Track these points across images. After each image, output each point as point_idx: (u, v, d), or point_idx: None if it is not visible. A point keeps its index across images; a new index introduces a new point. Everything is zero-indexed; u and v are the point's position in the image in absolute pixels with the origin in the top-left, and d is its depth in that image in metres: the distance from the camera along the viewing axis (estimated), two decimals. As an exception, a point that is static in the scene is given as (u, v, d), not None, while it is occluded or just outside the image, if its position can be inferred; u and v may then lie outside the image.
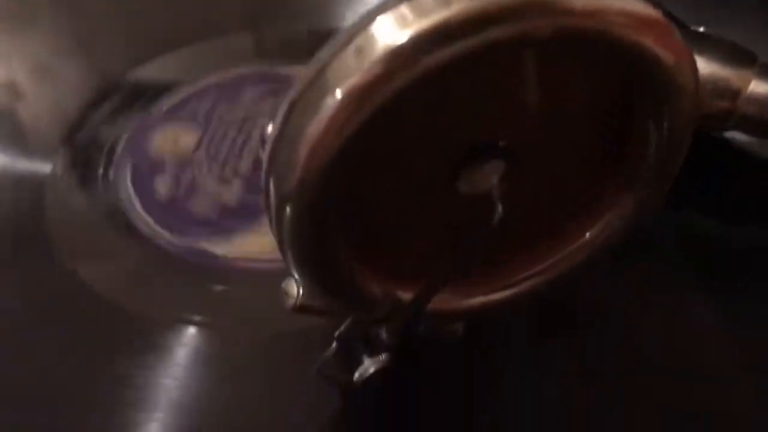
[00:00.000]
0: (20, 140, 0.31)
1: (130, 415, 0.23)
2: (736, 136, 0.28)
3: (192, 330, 0.25)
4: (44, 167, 0.30)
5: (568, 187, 0.19)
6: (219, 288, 0.26)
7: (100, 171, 0.30)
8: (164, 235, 0.27)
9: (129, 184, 0.29)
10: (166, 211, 0.28)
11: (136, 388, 0.24)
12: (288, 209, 0.17)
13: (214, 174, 0.29)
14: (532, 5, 0.15)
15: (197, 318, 0.26)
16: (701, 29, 0.28)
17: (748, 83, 0.25)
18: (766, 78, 0.25)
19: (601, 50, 0.17)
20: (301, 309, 0.19)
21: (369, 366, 0.20)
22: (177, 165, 0.30)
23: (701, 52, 0.26)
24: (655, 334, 0.25)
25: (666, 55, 0.17)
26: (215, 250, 0.27)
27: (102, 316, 0.26)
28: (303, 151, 0.16)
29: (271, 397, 0.24)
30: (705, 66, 0.26)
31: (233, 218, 0.28)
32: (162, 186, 0.29)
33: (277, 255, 0.18)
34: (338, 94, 0.15)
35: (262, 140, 0.17)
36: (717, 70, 0.26)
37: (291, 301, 0.19)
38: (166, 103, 0.32)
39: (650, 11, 0.16)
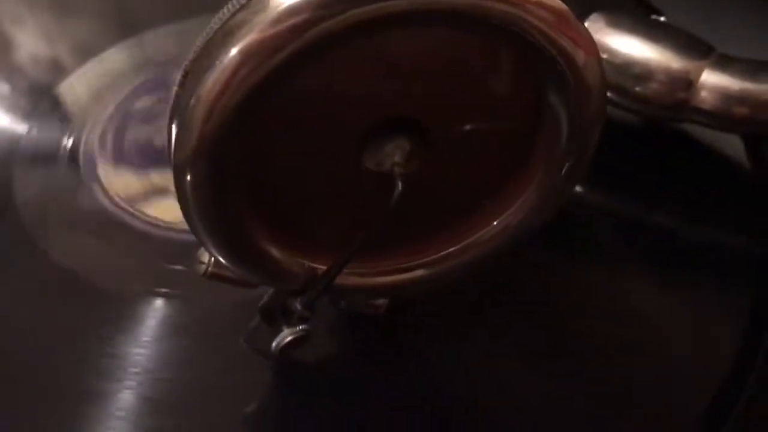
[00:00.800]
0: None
1: (102, 385, 0.24)
2: (696, 129, 0.28)
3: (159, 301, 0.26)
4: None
5: (479, 172, 0.19)
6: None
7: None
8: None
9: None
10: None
11: (108, 357, 0.24)
12: (188, 175, 0.17)
13: None
14: None
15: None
16: (662, 18, 0.27)
17: (701, 73, 0.25)
18: (720, 69, 0.25)
19: (514, 41, 0.17)
20: (212, 276, 0.20)
21: (286, 336, 0.21)
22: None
23: (657, 41, 0.26)
24: (598, 320, 0.25)
25: (575, 53, 0.17)
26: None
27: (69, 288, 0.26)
28: (199, 112, 0.16)
29: (235, 362, 0.24)
30: (660, 55, 0.26)
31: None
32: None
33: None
34: (233, 51, 0.15)
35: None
36: (671, 59, 0.25)
37: (202, 268, 0.20)
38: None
39: (561, 6, 0.16)
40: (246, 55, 0.16)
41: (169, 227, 0.27)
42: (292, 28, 0.15)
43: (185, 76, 0.16)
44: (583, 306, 0.25)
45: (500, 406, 0.23)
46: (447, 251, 0.20)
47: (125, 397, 0.23)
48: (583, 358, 0.24)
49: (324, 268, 0.20)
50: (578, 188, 0.26)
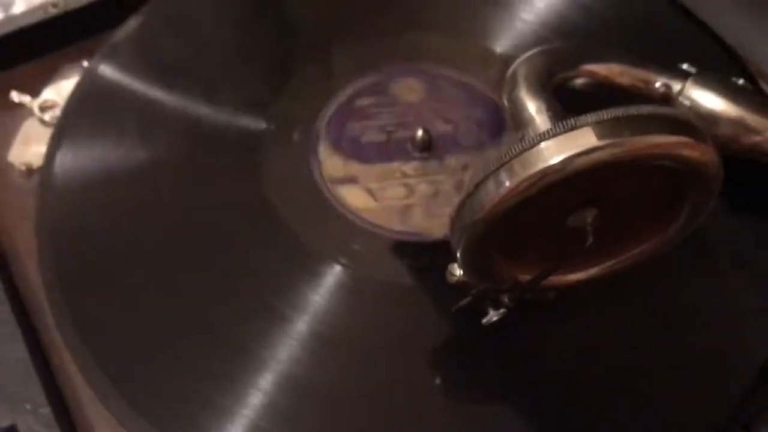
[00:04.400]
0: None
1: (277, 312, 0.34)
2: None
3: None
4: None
5: (636, 219, 0.31)
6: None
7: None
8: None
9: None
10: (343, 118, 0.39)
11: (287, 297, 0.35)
12: (465, 234, 0.28)
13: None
14: (622, 154, 0.26)
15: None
16: (741, 81, 0.37)
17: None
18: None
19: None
20: (458, 284, 0.31)
21: (492, 316, 0.32)
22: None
23: (735, 100, 0.36)
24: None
25: (704, 161, 0.27)
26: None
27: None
28: (485, 207, 0.27)
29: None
30: (736, 111, 0.36)
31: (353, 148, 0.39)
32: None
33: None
34: (507, 183, 0.26)
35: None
36: (745, 115, 0.36)
37: (454, 279, 0.31)
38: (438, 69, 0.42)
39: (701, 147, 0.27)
40: (511, 190, 0.26)
41: (354, 212, 0.37)
42: (533, 183, 0.26)
43: (475, 187, 0.27)
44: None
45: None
46: (611, 263, 0.32)
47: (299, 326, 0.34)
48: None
49: (523, 276, 0.32)
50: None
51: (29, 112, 0.43)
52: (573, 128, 0.26)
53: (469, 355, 0.34)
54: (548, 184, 0.26)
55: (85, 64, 0.45)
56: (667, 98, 0.37)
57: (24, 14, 0.44)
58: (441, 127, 0.40)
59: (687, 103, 0.36)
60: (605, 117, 0.26)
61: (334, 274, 0.35)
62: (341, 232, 0.37)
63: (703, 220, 0.31)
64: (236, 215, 0.37)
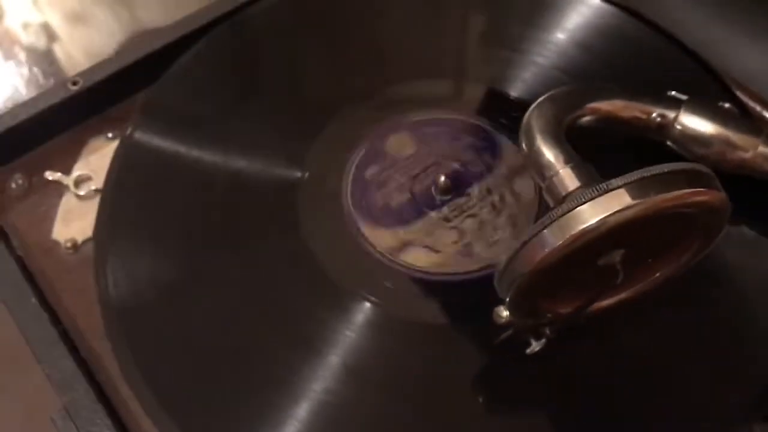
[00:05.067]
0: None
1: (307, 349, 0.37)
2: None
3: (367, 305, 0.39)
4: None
5: (657, 253, 0.35)
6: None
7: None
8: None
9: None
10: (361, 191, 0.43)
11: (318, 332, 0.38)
12: (515, 285, 0.32)
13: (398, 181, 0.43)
14: (649, 209, 0.29)
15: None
16: (726, 105, 0.41)
17: (756, 146, 0.40)
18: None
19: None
20: (505, 324, 0.35)
21: (535, 346, 0.36)
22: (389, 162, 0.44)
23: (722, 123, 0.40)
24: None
25: (715, 201, 0.31)
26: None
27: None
28: (532, 262, 0.31)
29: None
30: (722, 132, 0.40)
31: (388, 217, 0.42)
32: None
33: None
34: (544, 249, 0.30)
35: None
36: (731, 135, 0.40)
37: (502, 320, 0.35)
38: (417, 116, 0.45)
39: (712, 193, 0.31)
40: (555, 248, 0.30)
41: (425, 271, 0.41)
42: (574, 241, 0.30)
43: (522, 245, 0.31)
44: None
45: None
46: (635, 289, 0.36)
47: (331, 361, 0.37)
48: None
49: (562, 311, 0.35)
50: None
51: (65, 188, 0.46)
52: (606, 191, 0.30)
53: (503, 389, 0.38)
54: (586, 241, 0.30)
55: (110, 135, 0.47)
56: (664, 126, 0.41)
57: (47, 94, 0.46)
58: (449, 166, 0.44)
59: (680, 128, 0.40)
60: (632, 179, 0.30)
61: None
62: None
63: (714, 245, 0.35)
64: (278, 263, 0.41)
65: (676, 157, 0.40)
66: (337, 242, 0.41)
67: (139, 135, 0.44)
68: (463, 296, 0.40)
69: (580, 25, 0.48)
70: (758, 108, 0.47)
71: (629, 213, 0.30)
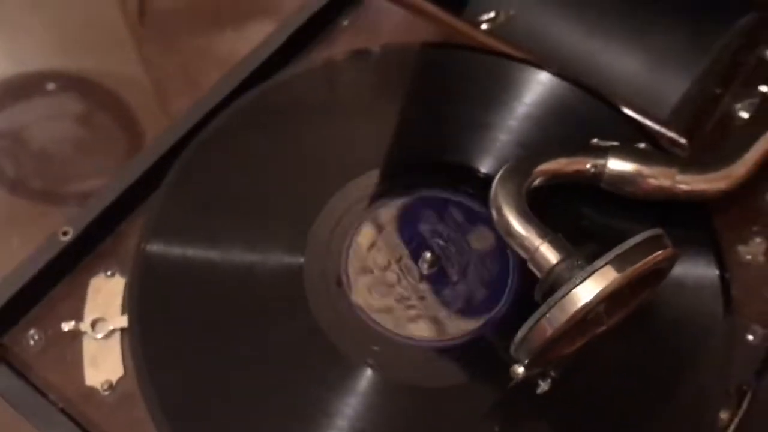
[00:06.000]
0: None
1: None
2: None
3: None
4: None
5: (630, 295, 0.42)
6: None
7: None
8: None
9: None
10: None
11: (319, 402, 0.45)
12: (531, 355, 0.39)
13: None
14: (630, 276, 0.37)
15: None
16: (642, 145, 0.49)
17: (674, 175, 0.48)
18: (684, 171, 0.48)
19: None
20: (522, 379, 0.42)
21: (544, 386, 0.44)
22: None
23: (642, 160, 0.48)
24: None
25: (671, 254, 0.39)
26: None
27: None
28: (542, 337, 0.38)
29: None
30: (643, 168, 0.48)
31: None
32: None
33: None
34: (553, 325, 0.37)
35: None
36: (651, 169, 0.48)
37: (519, 376, 0.42)
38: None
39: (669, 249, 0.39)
40: (560, 326, 0.37)
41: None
42: (575, 316, 0.37)
43: (536, 322, 0.38)
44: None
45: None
46: (614, 320, 0.43)
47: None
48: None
49: (565, 352, 0.43)
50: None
51: (82, 334, 0.49)
52: (594, 272, 0.37)
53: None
54: (584, 313, 0.37)
55: (109, 273, 0.50)
56: (597, 174, 0.48)
57: (41, 251, 0.49)
58: (427, 235, 0.50)
59: (608, 173, 0.48)
60: (612, 257, 0.37)
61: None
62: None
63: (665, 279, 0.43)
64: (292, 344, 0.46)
65: (611, 194, 0.48)
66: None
67: (150, 248, 0.48)
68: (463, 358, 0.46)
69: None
70: (648, 122, 0.55)
71: (615, 284, 0.37)
